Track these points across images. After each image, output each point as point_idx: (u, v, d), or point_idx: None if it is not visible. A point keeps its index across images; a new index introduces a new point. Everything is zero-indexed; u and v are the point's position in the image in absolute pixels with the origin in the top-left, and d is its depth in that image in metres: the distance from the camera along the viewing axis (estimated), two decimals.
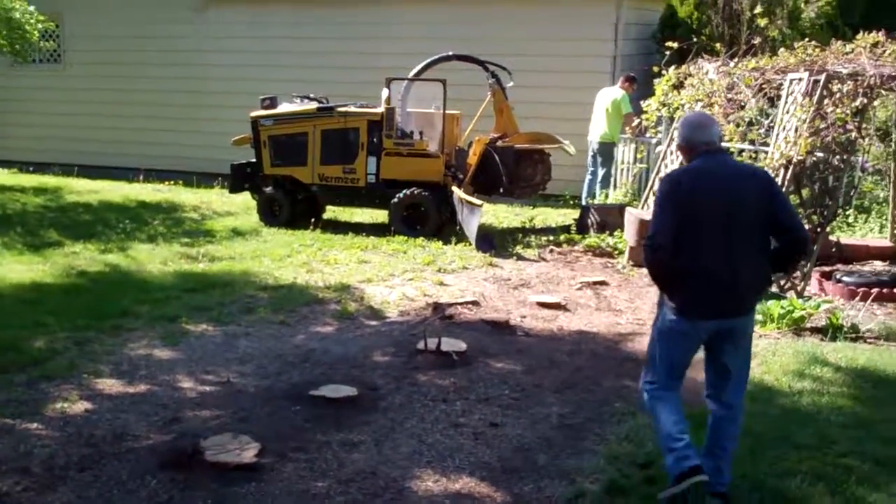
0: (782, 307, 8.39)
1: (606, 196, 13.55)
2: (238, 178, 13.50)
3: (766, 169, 9.33)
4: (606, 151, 13.84)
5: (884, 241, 11.61)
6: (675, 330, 4.90)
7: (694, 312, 4.85)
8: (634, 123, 12.71)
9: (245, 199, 14.12)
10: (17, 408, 6.34)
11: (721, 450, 5.01)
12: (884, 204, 12.38)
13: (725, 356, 4.96)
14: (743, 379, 5.09)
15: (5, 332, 7.92)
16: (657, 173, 11.98)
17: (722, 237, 4.76)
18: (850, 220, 12.53)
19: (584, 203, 13.70)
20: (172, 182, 17.13)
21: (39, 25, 15.43)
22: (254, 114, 13.17)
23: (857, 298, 9.15)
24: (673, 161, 11.56)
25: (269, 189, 13.03)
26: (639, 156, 13.94)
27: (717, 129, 5.13)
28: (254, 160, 13.28)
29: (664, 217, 4.81)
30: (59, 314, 8.49)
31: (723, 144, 10.13)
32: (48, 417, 6.21)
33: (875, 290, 9.32)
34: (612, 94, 13.74)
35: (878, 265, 10.97)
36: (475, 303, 9.17)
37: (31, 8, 15.23)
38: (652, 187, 12.03)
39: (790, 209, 5.01)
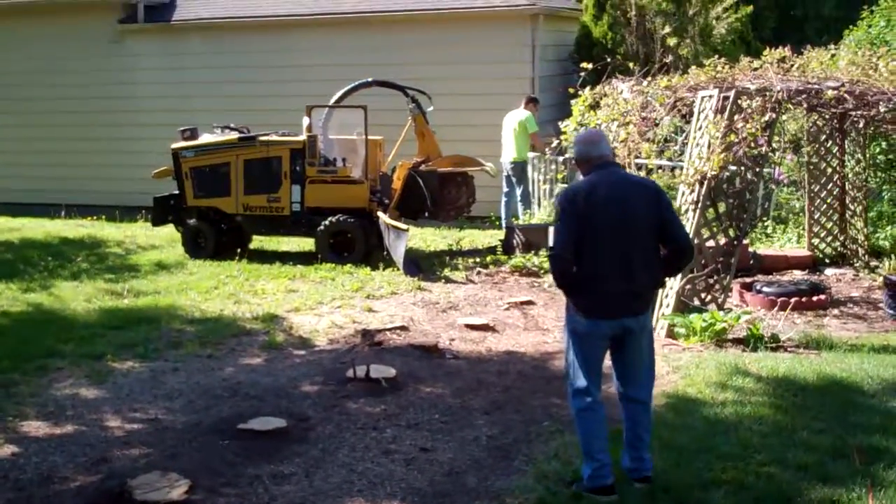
0: (704, 320, 8.57)
1: (530, 216, 13.70)
2: (161, 211, 13.40)
3: (657, 182, 9.60)
4: (519, 171, 14.08)
5: (801, 251, 11.93)
6: (583, 331, 5.30)
7: (598, 313, 5.25)
8: (554, 144, 12.88)
9: (169, 232, 14.01)
10: None
11: (640, 440, 5.42)
12: (800, 214, 12.71)
13: (630, 353, 5.41)
14: (649, 373, 5.53)
15: None
16: None
17: (619, 244, 5.22)
18: (769, 231, 12.85)
19: (505, 224, 13.86)
20: (95, 217, 16.91)
21: None
22: (175, 145, 13.09)
23: (777, 308, 9.39)
24: None
25: (193, 221, 12.95)
26: (559, 175, 14.11)
27: (608, 144, 5.61)
28: (176, 192, 13.19)
29: (564, 229, 5.24)
30: None
31: (640, 162, 10.42)
32: None
33: (794, 300, 9.57)
34: (518, 116, 14.02)
35: (797, 274, 11.29)
36: (404, 328, 9.22)
37: None
38: None
39: (677, 220, 5.53)
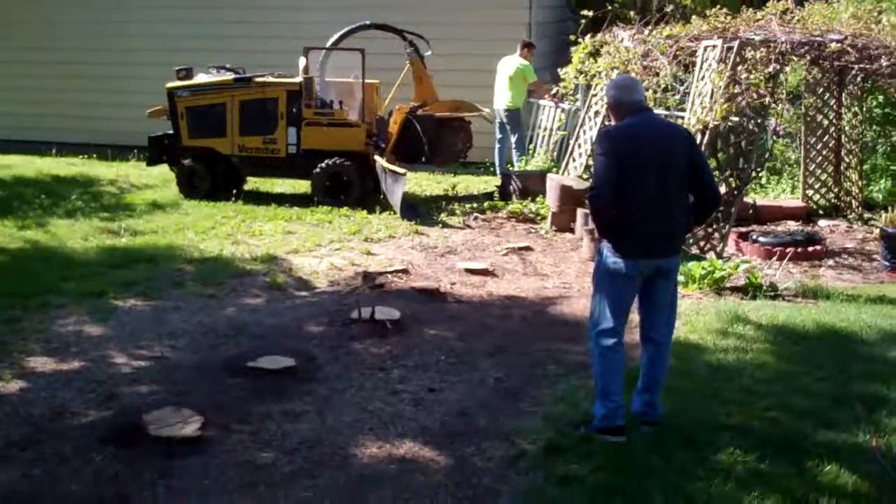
0: (703, 268, 8.65)
1: (526, 162, 13.70)
2: (156, 151, 13.32)
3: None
4: (513, 118, 13.91)
5: (796, 202, 12.02)
6: (619, 272, 5.33)
7: (637, 253, 5.31)
8: (553, 91, 12.88)
9: (163, 172, 13.95)
10: None
11: (654, 384, 5.55)
12: (795, 166, 12.79)
13: (659, 293, 5.48)
14: (673, 314, 5.64)
15: None
16: (576, 139, 12.17)
17: (659, 185, 5.26)
18: (764, 182, 12.92)
19: (499, 171, 13.84)
20: (86, 155, 16.80)
21: None
22: (170, 85, 12.99)
23: (774, 258, 9.47)
24: (592, 127, 11.76)
25: (188, 161, 12.89)
26: (558, 123, 14.11)
27: (642, 89, 5.67)
28: (171, 132, 13.11)
29: (606, 169, 5.25)
30: None
31: None
32: None
33: (790, 250, 9.66)
34: (513, 63, 13.75)
35: (792, 225, 11.39)
36: (404, 271, 9.26)
37: None
38: (571, 153, 12.23)
39: (708, 167, 5.64)
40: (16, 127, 17.94)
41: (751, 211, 11.29)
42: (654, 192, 5.25)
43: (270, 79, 12.79)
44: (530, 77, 13.72)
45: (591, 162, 11.45)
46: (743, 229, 10.57)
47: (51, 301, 8.20)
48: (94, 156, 16.74)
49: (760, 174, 12.58)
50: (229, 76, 12.96)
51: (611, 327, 5.37)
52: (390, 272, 9.16)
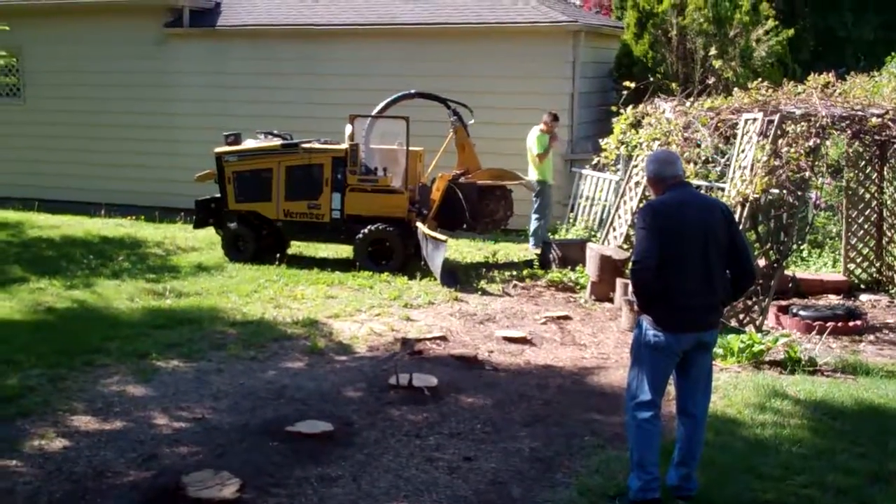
0: (742, 341, 8.63)
1: (566, 231, 13.76)
2: (203, 214, 13.58)
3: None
4: (538, 188, 13.94)
5: (837, 276, 11.96)
6: (660, 345, 5.40)
7: (678, 327, 5.38)
8: (594, 161, 12.98)
9: (208, 235, 14.19)
10: None
11: (692, 458, 5.57)
12: (836, 239, 12.75)
13: (697, 366, 5.55)
14: (709, 388, 5.68)
15: None
16: (616, 209, 12.25)
17: (701, 259, 5.38)
18: (805, 255, 12.89)
19: (533, 241, 13.89)
20: (134, 217, 17.13)
21: (0, 61, 15.45)
22: (218, 150, 13.27)
23: (814, 332, 9.43)
24: (633, 197, 11.83)
25: (233, 224, 13.12)
26: (598, 193, 14.20)
27: (682, 164, 5.81)
28: (218, 196, 13.37)
29: (649, 242, 5.36)
30: (30, 351, 8.55)
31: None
32: (27, 454, 6.29)
33: (830, 324, 9.62)
34: (531, 135, 13.89)
35: (833, 299, 11.32)
36: (443, 338, 9.33)
37: None
38: (612, 223, 12.29)
39: (745, 243, 5.73)
40: (66, 188, 18.36)
41: (791, 284, 11.26)
42: (696, 266, 5.36)
43: (317, 145, 13.02)
44: (535, 148, 13.73)
45: (631, 233, 11.51)
46: (783, 302, 10.54)
47: (95, 360, 8.38)
48: (142, 217, 17.06)
49: (802, 247, 12.56)
50: (276, 142, 13.22)
51: (649, 400, 5.42)
52: (429, 339, 9.24)
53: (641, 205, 5.46)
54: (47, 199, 18.21)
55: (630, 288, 5.65)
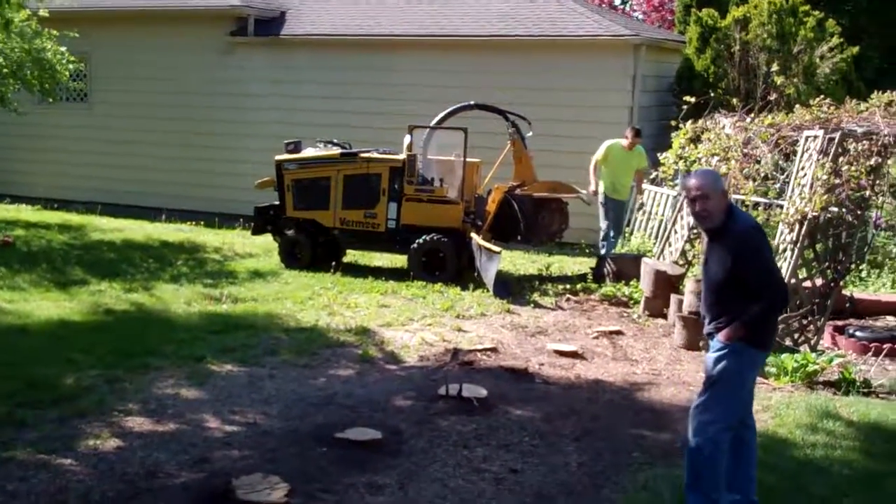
0: (796, 361, 8.54)
1: (622, 245, 13.71)
2: (261, 221, 13.75)
3: (780, 223, 9.66)
4: (604, 202, 13.94)
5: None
6: (755, 365, 5.54)
7: (771, 343, 5.57)
8: (652, 175, 12.91)
9: (265, 241, 14.35)
10: (50, 444, 6.52)
11: (749, 481, 5.56)
12: None
13: (753, 379, 5.64)
14: None
15: (36, 369, 8.15)
16: (673, 224, 12.17)
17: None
18: (864, 275, 12.70)
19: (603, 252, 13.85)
20: (194, 222, 17.39)
21: (70, 66, 15.78)
22: (278, 157, 13.43)
23: (870, 353, 9.30)
24: (689, 213, 11.73)
25: (291, 232, 13.26)
26: (655, 208, 14.12)
27: None
28: (276, 203, 13.52)
29: (771, 263, 5.57)
30: (88, 352, 8.72)
31: (738, 198, 10.44)
32: (81, 453, 6.40)
33: (887, 346, 9.47)
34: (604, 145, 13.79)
35: (890, 320, 11.13)
36: (494, 349, 9.35)
37: (63, 49, 15.58)
38: (668, 238, 12.22)
39: None
40: (130, 192, 18.71)
41: (848, 304, 11.10)
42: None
43: (375, 155, 13.13)
44: (597, 154, 13.67)
45: (688, 248, 11.44)
46: (839, 323, 10.40)
47: (151, 363, 8.51)
48: (202, 223, 17.31)
49: (860, 267, 12.39)
50: (336, 151, 13.35)
51: (733, 423, 5.42)
52: (479, 350, 9.26)
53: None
54: (110, 202, 18.60)
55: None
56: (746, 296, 5.31)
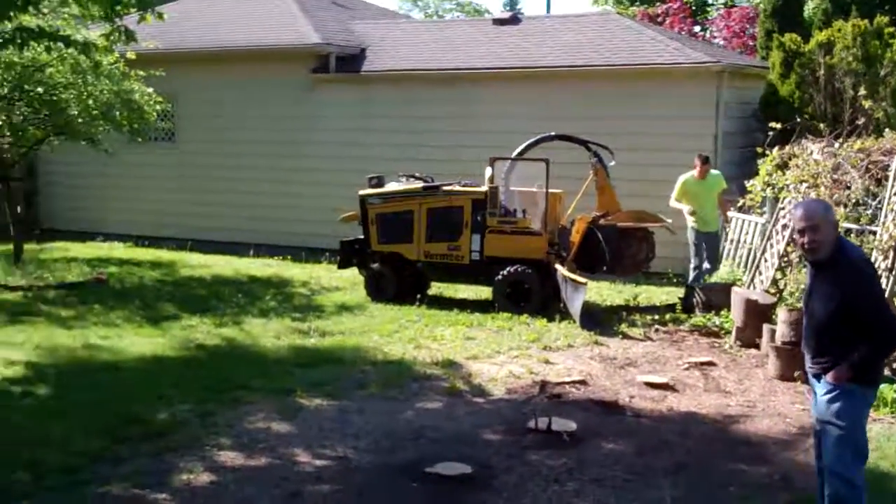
0: (895, 391, 8.30)
1: (711, 275, 13.51)
2: (346, 255, 13.86)
3: (874, 250, 9.43)
4: (691, 239, 13.54)
5: None
6: (869, 401, 5.35)
7: (881, 378, 5.52)
8: (739, 203, 12.70)
9: (351, 275, 14.46)
10: (144, 478, 6.63)
11: None
12: None
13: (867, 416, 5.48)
14: None
15: (130, 403, 8.30)
16: (762, 252, 11.97)
17: None
18: None
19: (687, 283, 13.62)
20: (281, 257, 17.61)
21: (157, 107, 16.14)
22: (362, 192, 13.55)
23: None
24: (779, 241, 11.54)
25: (376, 265, 13.35)
26: (744, 236, 13.90)
27: None
28: (361, 237, 13.62)
29: (885, 298, 5.41)
30: (180, 386, 8.88)
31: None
32: (175, 489, 6.49)
33: None
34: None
35: None
36: (582, 382, 9.26)
37: (150, 90, 15.95)
38: (758, 266, 12.01)
39: None
40: (217, 228, 19.01)
41: None
42: None
43: (457, 187, 13.17)
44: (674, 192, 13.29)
45: (779, 276, 11.22)
46: None
47: (242, 397, 8.61)
48: (289, 257, 17.52)
49: None
50: (418, 185, 13.42)
51: (863, 460, 5.29)
52: (568, 382, 9.18)
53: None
54: (199, 239, 18.92)
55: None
56: (855, 332, 5.05)
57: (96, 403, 8.31)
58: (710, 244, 13.53)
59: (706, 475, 6.84)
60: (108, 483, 6.53)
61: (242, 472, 6.82)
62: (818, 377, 5.27)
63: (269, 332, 11.25)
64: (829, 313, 5.12)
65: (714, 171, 13.44)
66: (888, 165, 10.11)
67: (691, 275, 13.52)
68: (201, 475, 6.72)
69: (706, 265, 13.43)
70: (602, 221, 12.68)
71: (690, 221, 13.33)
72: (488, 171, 12.86)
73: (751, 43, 25.82)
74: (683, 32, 26.03)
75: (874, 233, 10.08)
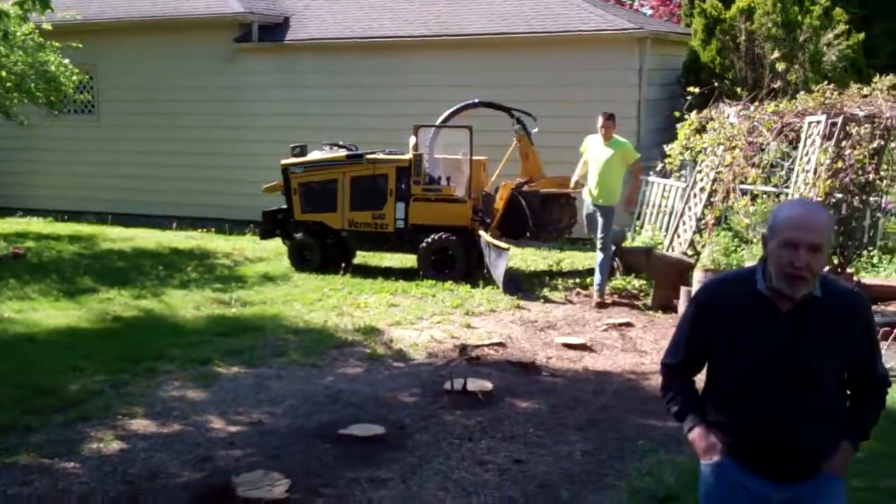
0: None
1: (632, 238, 13.63)
2: (269, 225, 13.75)
3: None
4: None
5: None
6: None
7: None
8: (658, 167, 12.81)
9: (276, 245, 14.36)
10: (54, 448, 6.54)
11: None
12: None
13: None
14: None
15: (43, 375, 8.16)
16: (681, 216, 12.11)
17: None
18: (875, 261, 12.59)
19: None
20: (205, 229, 17.41)
21: (74, 78, 15.82)
22: (284, 161, 13.43)
23: (890, 339, 9.19)
24: (697, 203, 11.69)
25: (299, 235, 13.27)
26: (663, 199, 14.04)
27: None
28: (284, 207, 13.53)
29: None
30: (95, 358, 8.74)
31: (745, 188, 10.35)
32: (85, 457, 6.41)
33: None
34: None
35: None
36: (501, 344, 9.32)
37: (66, 61, 15.62)
38: (676, 230, 12.16)
39: None
40: (139, 201, 18.74)
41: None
42: None
43: (381, 156, 13.11)
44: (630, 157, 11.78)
45: (696, 239, 11.37)
46: None
47: (158, 367, 8.52)
48: (212, 230, 17.32)
49: (871, 253, 12.28)
50: (342, 153, 13.34)
51: None
52: (487, 345, 9.23)
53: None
54: (120, 212, 18.62)
55: None
56: (846, 391, 3.67)
57: (6, 375, 8.15)
58: (606, 219, 11.53)
59: (617, 429, 6.93)
60: (17, 453, 6.42)
61: (154, 439, 6.76)
62: (797, 475, 3.55)
63: (188, 304, 11.12)
64: (831, 369, 3.54)
65: (621, 139, 11.82)
66: (801, 128, 10.28)
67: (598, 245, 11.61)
68: (112, 443, 6.65)
69: (599, 234, 11.51)
70: (525, 188, 12.72)
71: (584, 194, 11.89)
72: (412, 140, 12.81)
73: (677, 11, 26.02)
74: (611, 1, 26.13)
75: (787, 193, 10.26)
